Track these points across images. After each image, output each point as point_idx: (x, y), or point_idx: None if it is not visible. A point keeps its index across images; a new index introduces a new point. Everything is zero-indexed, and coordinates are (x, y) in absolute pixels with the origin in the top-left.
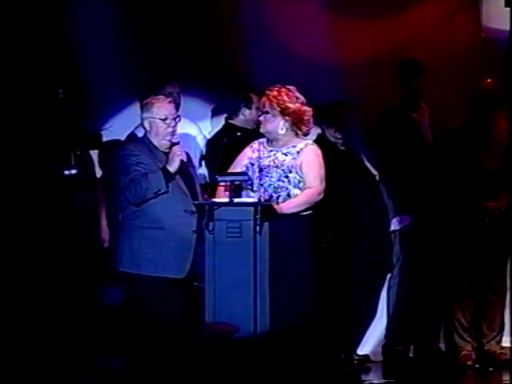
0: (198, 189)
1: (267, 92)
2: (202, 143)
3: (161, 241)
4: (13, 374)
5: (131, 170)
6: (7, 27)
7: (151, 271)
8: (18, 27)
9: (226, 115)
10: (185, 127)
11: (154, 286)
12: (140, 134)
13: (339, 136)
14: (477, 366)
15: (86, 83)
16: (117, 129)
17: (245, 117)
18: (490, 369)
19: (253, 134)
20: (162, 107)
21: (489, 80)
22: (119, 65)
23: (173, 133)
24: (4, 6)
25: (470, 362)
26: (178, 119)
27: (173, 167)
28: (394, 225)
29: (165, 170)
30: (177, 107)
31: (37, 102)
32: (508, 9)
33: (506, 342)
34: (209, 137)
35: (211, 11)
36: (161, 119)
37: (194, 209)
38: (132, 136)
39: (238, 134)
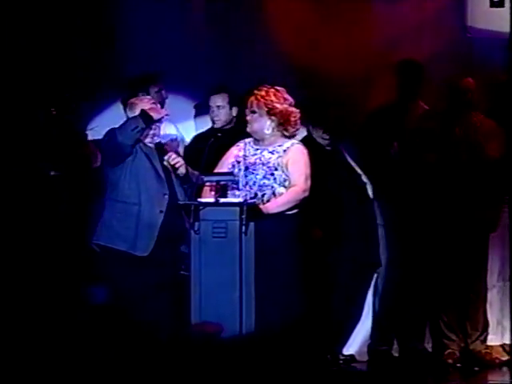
0: (174, 180)
1: (255, 92)
2: (181, 144)
3: (130, 216)
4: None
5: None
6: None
7: (120, 245)
8: (10, 31)
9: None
10: (164, 128)
11: (122, 259)
12: None
13: (327, 137)
14: (458, 365)
15: (71, 83)
16: (101, 128)
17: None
18: (476, 368)
19: (234, 134)
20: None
21: (464, 79)
22: (103, 64)
23: (154, 134)
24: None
25: (450, 361)
26: (161, 120)
27: (153, 113)
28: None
29: (143, 112)
30: (162, 104)
31: (24, 104)
32: (493, 9)
33: (491, 341)
34: (188, 138)
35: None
36: None
37: (166, 191)
38: None
39: (219, 134)
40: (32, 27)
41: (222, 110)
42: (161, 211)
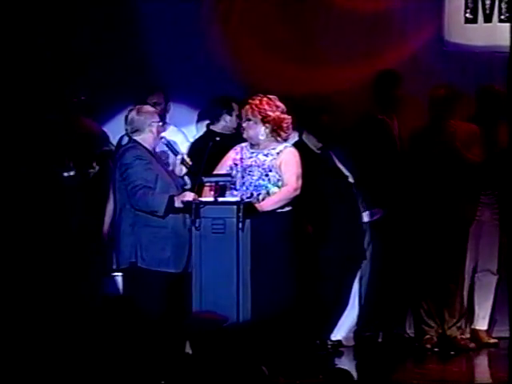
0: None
1: (250, 101)
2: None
3: (164, 239)
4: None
5: (141, 177)
6: (11, 34)
7: (154, 266)
8: (23, 35)
9: (207, 121)
10: (171, 134)
11: (156, 278)
12: (123, 142)
13: (319, 145)
14: (436, 349)
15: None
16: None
17: (226, 123)
18: (452, 352)
19: (232, 139)
20: (148, 115)
21: (441, 89)
22: (107, 75)
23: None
24: (5, 16)
25: (428, 346)
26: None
27: (178, 203)
28: (367, 217)
29: (170, 199)
30: (164, 115)
31: (38, 106)
32: (467, 25)
33: (468, 328)
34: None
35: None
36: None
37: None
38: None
39: (217, 138)
40: (50, 32)
41: None
42: (189, 230)
